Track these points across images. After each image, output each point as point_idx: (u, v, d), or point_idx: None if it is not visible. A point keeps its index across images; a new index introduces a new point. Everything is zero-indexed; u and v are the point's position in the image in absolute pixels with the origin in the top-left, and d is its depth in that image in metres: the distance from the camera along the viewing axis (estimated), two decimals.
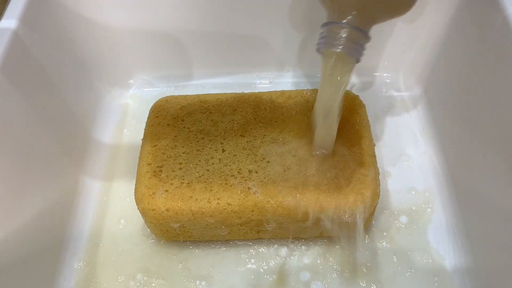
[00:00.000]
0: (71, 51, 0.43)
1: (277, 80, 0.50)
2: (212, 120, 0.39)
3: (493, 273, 0.34)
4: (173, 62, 0.49)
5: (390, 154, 0.44)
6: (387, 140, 0.45)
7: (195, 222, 0.34)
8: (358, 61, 0.31)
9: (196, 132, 0.38)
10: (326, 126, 0.34)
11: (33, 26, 0.36)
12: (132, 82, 0.50)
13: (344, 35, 0.29)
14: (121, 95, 0.50)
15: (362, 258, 0.38)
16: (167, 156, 0.36)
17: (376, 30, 0.45)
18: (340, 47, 0.30)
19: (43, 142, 0.37)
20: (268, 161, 0.35)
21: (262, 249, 0.38)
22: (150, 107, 0.41)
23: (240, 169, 0.35)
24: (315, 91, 0.40)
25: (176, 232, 0.37)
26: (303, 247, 0.38)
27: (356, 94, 0.40)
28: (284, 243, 0.39)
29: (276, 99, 0.40)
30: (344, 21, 0.29)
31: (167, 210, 0.34)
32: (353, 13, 0.29)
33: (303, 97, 0.40)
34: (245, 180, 0.34)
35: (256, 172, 0.35)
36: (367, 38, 0.30)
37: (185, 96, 0.41)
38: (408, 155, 0.44)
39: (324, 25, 0.30)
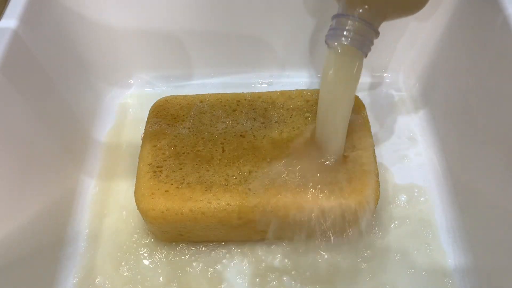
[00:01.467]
0: (71, 51, 0.43)
1: (277, 80, 0.50)
2: (212, 120, 0.39)
3: (493, 273, 0.34)
4: (173, 62, 0.49)
5: (390, 154, 0.44)
6: (387, 140, 0.45)
7: (195, 223, 0.34)
8: (365, 55, 0.30)
9: (196, 132, 0.38)
10: (331, 130, 0.32)
11: (33, 26, 0.36)
12: (132, 82, 0.50)
13: (352, 28, 0.28)
14: (121, 95, 0.50)
15: (362, 258, 0.38)
16: (167, 156, 0.36)
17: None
18: (348, 39, 0.29)
19: (43, 142, 0.37)
20: (268, 162, 0.35)
21: (262, 250, 0.38)
22: (150, 107, 0.41)
23: (240, 169, 0.35)
24: (315, 91, 0.40)
25: (176, 233, 0.36)
26: (303, 247, 0.38)
27: (356, 94, 0.40)
28: (284, 243, 0.39)
29: (276, 99, 0.40)
30: (353, 14, 0.28)
31: (166, 210, 0.34)
32: (364, 6, 0.28)
33: (303, 97, 0.40)
34: (245, 181, 0.34)
35: (256, 173, 0.35)
36: (376, 33, 0.29)
37: (185, 96, 0.41)
38: (408, 155, 0.44)
39: (334, 17, 0.30)
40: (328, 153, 0.33)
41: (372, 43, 0.30)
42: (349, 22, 0.28)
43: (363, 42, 0.29)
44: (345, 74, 0.30)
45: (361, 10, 0.28)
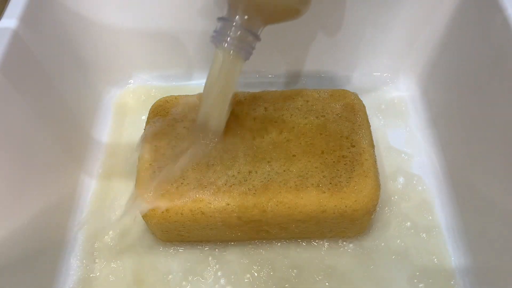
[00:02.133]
0: (71, 50, 0.43)
1: (277, 80, 0.50)
2: None
3: (493, 273, 0.34)
4: (173, 62, 0.49)
5: (389, 154, 0.44)
6: (386, 140, 0.45)
7: (194, 223, 0.34)
8: (246, 59, 0.32)
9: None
10: (210, 116, 0.35)
11: (33, 26, 0.36)
12: (132, 81, 0.50)
13: (232, 34, 0.31)
14: (121, 95, 0.50)
15: (361, 258, 0.38)
16: (167, 156, 0.36)
17: (376, 30, 0.45)
18: (228, 45, 0.31)
19: (43, 142, 0.37)
20: (268, 161, 0.35)
21: (262, 250, 0.38)
22: (150, 107, 0.41)
23: (240, 169, 0.35)
24: (315, 91, 0.40)
25: (175, 233, 0.36)
26: (303, 247, 0.38)
27: (356, 93, 0.40)
28: (284, 243, 0.39)
29: (276, 99, 0.40)
30: (235, 20, 0.30)
31: (166, 210, 0.34)
32: (244, 16, 0.30)
33: (303, 97, 0.40)
34: (245, 180, 0.34)
35: (256, 172, 0.35)
36: (256, 39, 0.32)
37: (185, 96, 0.41)
38: (407, 155, 0.44)
39: (219, 19, 0.32)
40: (211, 135, 0.36)
41: (253, 48, 0.32)
42: (231, 27, 0.31)
43: (243, 48, 0.31)
44: (225, 73, 0.33)
45: (242, 18, 0.31)
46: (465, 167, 0.39)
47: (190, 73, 0.50)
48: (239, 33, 0.31)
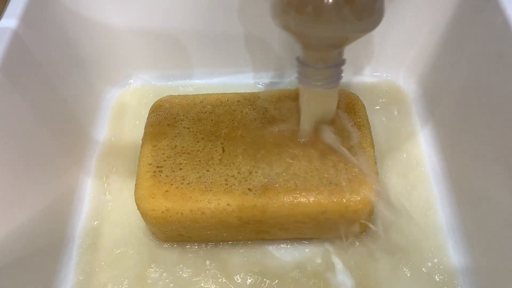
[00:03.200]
0: (71, 50, 0.43)
1: (277, 80, 0.50)
2: (212, 120, 0.39)
3: (493, 273, 0.34)
4: (173, 62, 0.49)
5: (389, 154, 0.44)
6: (386, 141, 0.45)
7: (194, 223, 0.34)
8: (338, 86, 0.33)
9: (196, 132, 0.38)
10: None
11: (33, 25, 0.36)
12: (132, 81, 0.50)
13: (321, 76, 0.31)
14: (121, 94, 0.50)
15: (362, 258, 0.38)
16: (167, 156, 0.36)
17: (376, 30, 0.45)
18: (320, 87, 0.32)
19: (43, 141, 0.37)
20: (268, 162, 0.35)
21: (262, 250, 0.38)
22: (150, 107, 0.41)
23: (240, 169, 0.35)
24: None
25: (176, 233, 0.36)
26: (303, 247, 0.38)
27: (356, 94, 0.40)
28: (284, 244, 0.39)
29: (276, 98, 0.40)
30: (319, 65, 0.31)
31: (167, 210, 0.34)
32: (322, 59, 0.30)
33: None
34: (245, 181, 0.34)
35: (256, 173, 0.35)
36: (342, 65, 0.32)
37: (185, 96, 0.41)
38: (407, 155, 0.44)
39: (301, 64, 0.32)
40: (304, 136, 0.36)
41: (342, 73, 0.32)
42: (317, 71, 0.31)
43: (333, 81, 0.32)
44: (324, 101, 0.34)
45: (322, 59, 0.31)
46: (465, 167, 0.39)
47: (190, 73, 0.50)
48: (325, 72, 0.31)
